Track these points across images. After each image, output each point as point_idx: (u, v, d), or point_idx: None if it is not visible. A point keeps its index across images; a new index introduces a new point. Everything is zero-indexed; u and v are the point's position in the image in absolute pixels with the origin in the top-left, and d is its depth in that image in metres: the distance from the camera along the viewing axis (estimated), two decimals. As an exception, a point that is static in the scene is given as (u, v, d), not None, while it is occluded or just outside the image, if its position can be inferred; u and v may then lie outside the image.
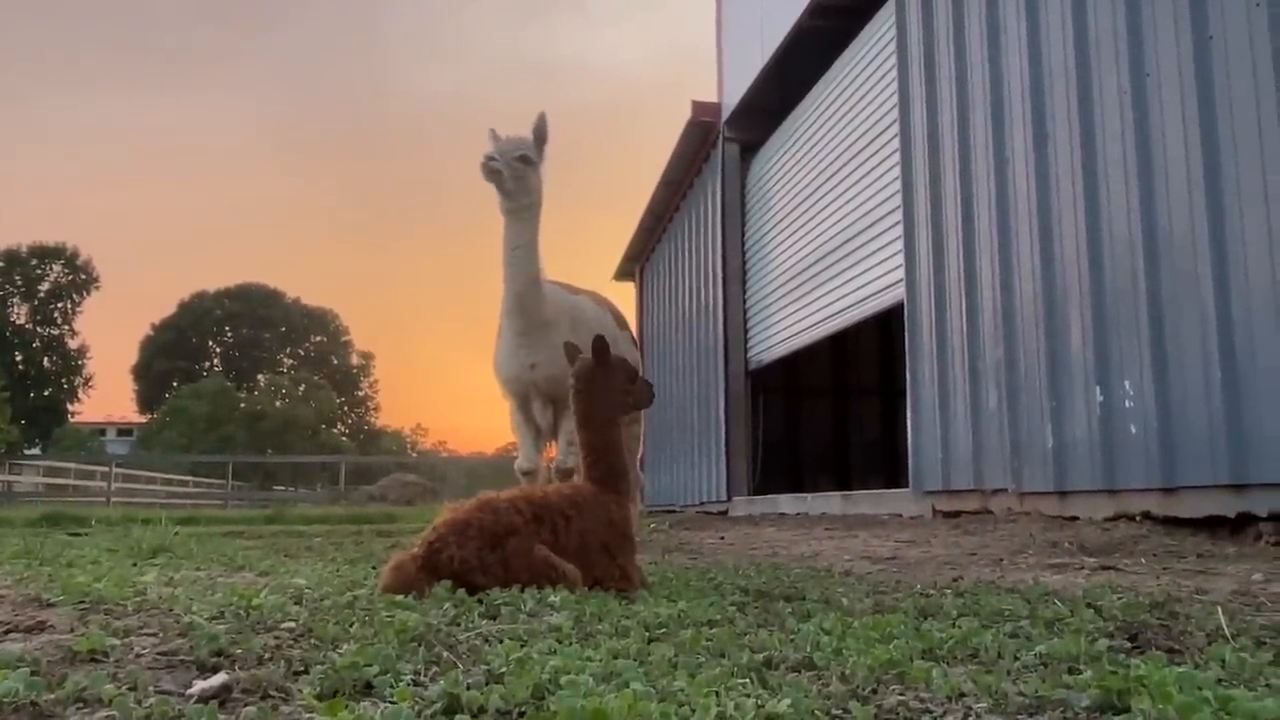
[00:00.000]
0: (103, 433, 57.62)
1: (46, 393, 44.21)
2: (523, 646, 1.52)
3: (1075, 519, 4.94)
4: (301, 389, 51.58)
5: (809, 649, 1.54)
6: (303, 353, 57.44)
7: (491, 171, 4.28)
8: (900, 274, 7.17)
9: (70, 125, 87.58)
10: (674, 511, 12.15)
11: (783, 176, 10.23)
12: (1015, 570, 3.36)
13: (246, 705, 1.21)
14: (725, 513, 10.68)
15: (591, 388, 2.64)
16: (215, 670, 1.40)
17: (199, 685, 1.29)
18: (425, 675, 1.36)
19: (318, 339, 57.84)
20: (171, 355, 52.68)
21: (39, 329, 45.06)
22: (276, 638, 1.65)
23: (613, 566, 2.44)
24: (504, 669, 1.35)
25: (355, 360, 58.68)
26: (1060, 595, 2.34)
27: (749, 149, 11.31)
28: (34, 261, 44.78)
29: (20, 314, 44.85)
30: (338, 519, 10.75)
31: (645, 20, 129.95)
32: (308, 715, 1.17)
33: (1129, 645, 1.67)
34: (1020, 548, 4.19)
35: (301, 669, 1.40)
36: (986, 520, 5.53)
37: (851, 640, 1.60)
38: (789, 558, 4.19)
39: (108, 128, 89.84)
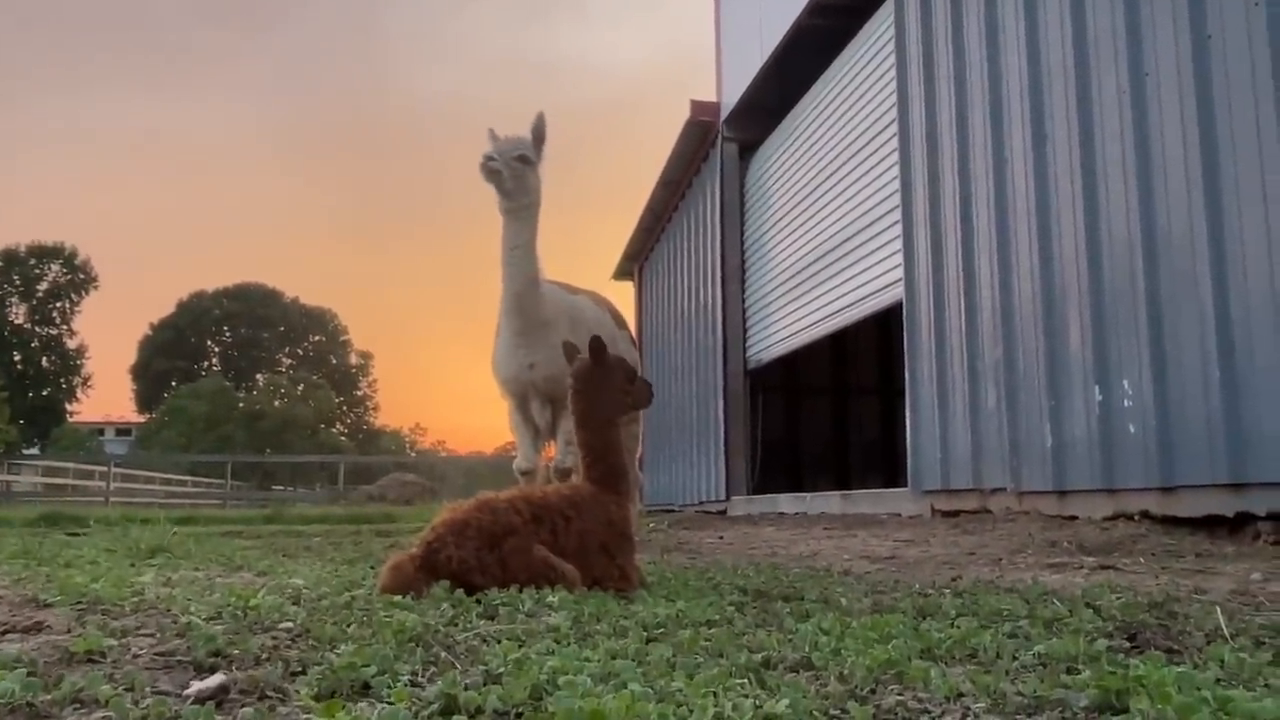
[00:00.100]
0: (101, 432, 57.59)
1: (45, 392, 44.22)
2: (520, 647, 1.52)
3: (1074, 518, 4.94)
4: (300, 389, 51.57)
5: (807, 649, 1.53)
6: (301, 352, 57.44)
7: (490, 171, 4.28)
8: (899, 273, 7.17)
9: (69, 125, 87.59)
10: (673, 511, 12.15)
11: (782, 176, 10.23)
12: (1014, 570, 3.36)
13: (244, 706, 1.21)
14: (724, 512, 10.68)
15: (589, 387, 2.64)
16: (212, 671, 1.40)
17: (196, 686, 1.28)
18: (423, 676, 1.36)
19: (316, 338, 57.83)
20: (170, 355, 52.66)
21: (37, 329, 45.07)
22: (274, 638, 1.65)
23: (611, 566, 2.43)
24: (502, 669, 1.35)
25: (354, 360, 58.72)
26: (1059, 595, 2.34)
27: (748, 148, 11.31)
28: (32, 261, 44.79)
29: (19, 314, 44.87)
30: (336, 519, 10.74)
31: (644, 20, 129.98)
32: (305, 716, 1.17)
33: (1128, 645, 1.67)
34: (1019, 547, 4.19)
35: (299, 669, 1.40)
36: (985, 520, 5.53)
37: (850, 640, 1.60)
38: (788, 557, 4.19)
39: (106, 127, 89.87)
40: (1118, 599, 2.24)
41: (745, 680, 1.32)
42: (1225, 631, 1.78)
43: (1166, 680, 1.19)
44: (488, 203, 4.46)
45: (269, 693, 1.28)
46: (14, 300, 44.77)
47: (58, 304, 45.15)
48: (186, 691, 1.27)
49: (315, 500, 22.20)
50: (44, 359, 44.92)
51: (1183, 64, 4.39)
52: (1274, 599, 2.36)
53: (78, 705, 1.20)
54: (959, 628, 1.73)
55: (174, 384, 50.50)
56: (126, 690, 1.25)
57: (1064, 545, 4.11)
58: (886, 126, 7.63)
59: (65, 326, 45.41)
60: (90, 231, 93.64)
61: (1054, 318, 5.31)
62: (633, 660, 1.41)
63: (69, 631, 1.76)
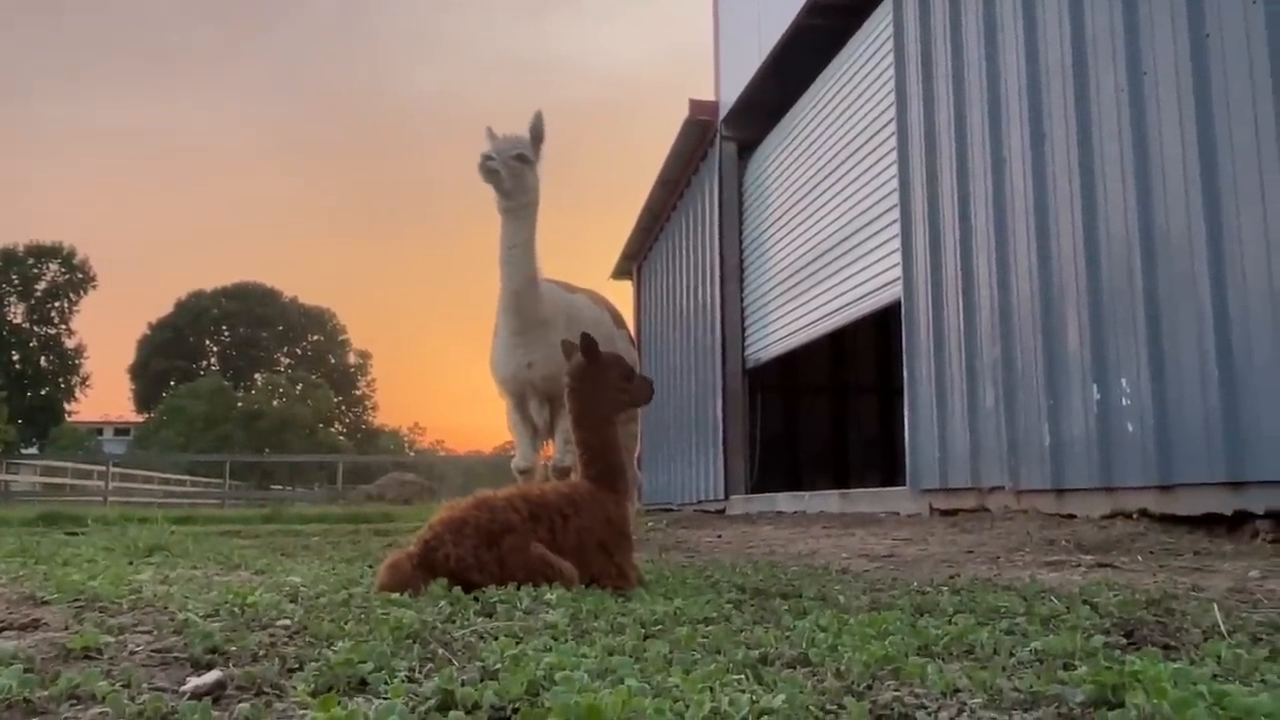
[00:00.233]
0: (100, 432, 57.56)
1: (43, 392, 44.20)
2: (518, 643, 1.52)
3: (1072, 517, 4.94)
4: (299, 388, 51.55)
5: (805, 645, 1.54)
6: (300, 352, 57.41)
7: (489, 170, 4.28)
8: (897, 272, 7.17)
9: (67, 124, 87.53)
10: (671, 510, 12.16)
11: (780, 175, 10.23)
12: (1012, 568, 3.36)
13: (240, 702, 1.21)
14: (723, 511, 10.68)
15: (585, 385, 2.64)
16: (209, 667, 1.40)
17: (193, 682, 1.28)
18: (420, 672, 1.36)
19: (315, 338, 57.81)
20: (169, 354, 52.64)
21: (36, 328, 45.05)
22: (271, 635, 1.65)
23: (609, 564, 2.44)
24: (499, 665, 1.35)
25: (353, 359, 58.70)
26: (1057, 592, 2.34)
27: (746, 147, 11.31)
28: (31, 261, 44.76)
29: (17, 313, 44.85)
30: (335, 518, 10.74)
31: (643, 19, 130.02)
32: (301, 712, 1.17)
33: (1125, 642, 1.67)
34: (1017, 545, 4.20)
35: (296, 666, 1.40)
36: (983, 518, 5.53)
37: (847, 637, 1.60)
38: (786, 556, 4.19)
39: (104, 127, 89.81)
40: (1115, 596, 2.24)
41: (742, 676, 1.32)
42: (1222, 628, 1.78)
43: (1163, 675, 1.19)
44: (486, 202, 4.47)
45: (265, 689, 1.28)
46: (12, 300, 44.74)
47: (56, 303, 45.13)
48: (183, 687, 1.27)
49: (313, 500, 22.19)
50: (42, 358, 44.90)
51: (1181, 63, 4.40)
52: (1271, 596, 2.36)
53: (74, 701, 1.20)
54: (956, 624, 1.73)
55: (172, 383, 50.47)
56: (123, 686, 1.25)
57: (1062, 543, 4.11)
58: (885, 126, 7.64)
59: (64, 326, 45.44)
60: (88, 231, 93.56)
61: (1052, 317, 5.32)
62: (630, 656, 1.42)
63: (66, 628, 1.77)
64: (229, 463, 27.74)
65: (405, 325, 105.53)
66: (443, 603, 1.99)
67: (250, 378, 54.00)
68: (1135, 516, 4.57)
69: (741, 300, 11.23)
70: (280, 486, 32.86)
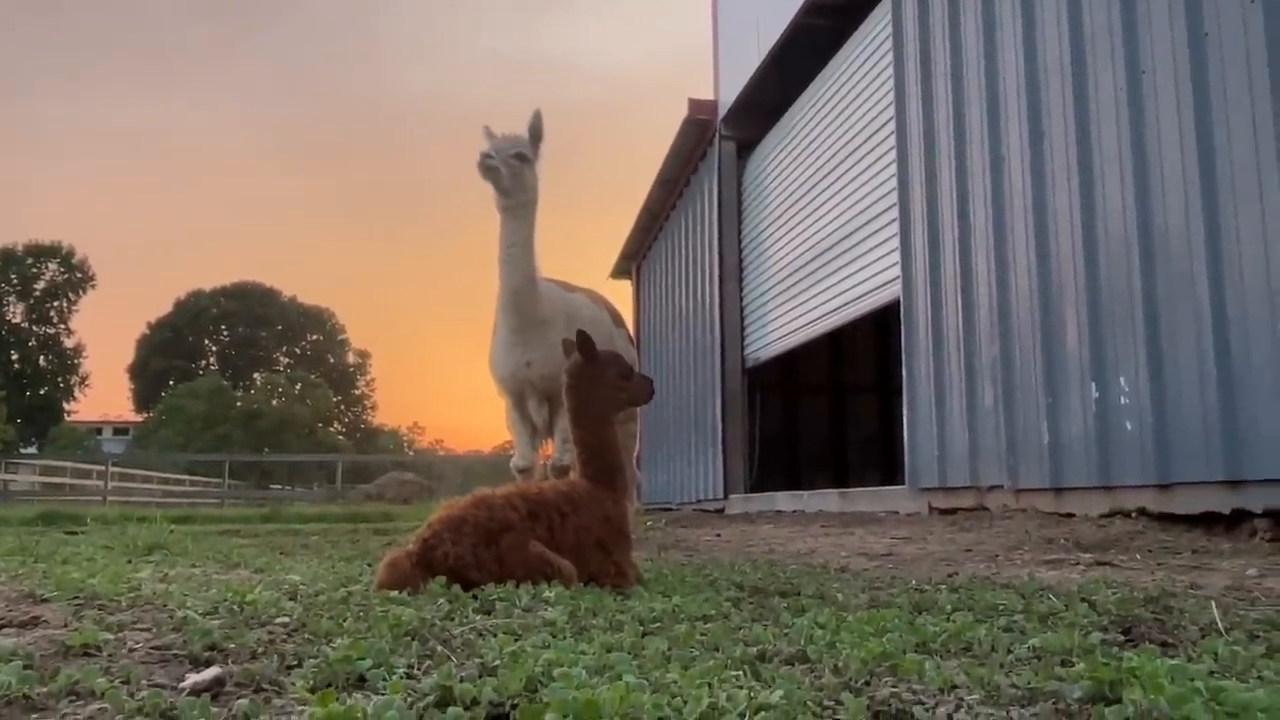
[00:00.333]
0: (99, 432, 57.53)
1: (42, 392, 44.20)
2: (516, 640, 1.52)
3: (1071, 515, 4.95)
4: (298, 388, 51.51)
5: (803, 642, 1.54)
6: (299, 351, 57.38)
7: (488, 169, 4.28)
8: (896, 271, 7.17)
9: (65, 124, 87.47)
10: (670, 509, 12.16)
11: (779, 174, 10.24)
12: (1010, 566, 3.37)
13: (239, 698, 1.21)
14: (722, 510, 10.68)
15: (582, 384, 2.64)
16: (208, 664, 1.40)
17: (191, 678, 1.29)
18: (419, 668, 1.36)
19: (314, 337, 57.78)
20: (168, 354, 52.60)
21: (35, 328, 45.04)
22: (270, 632, 1.65)
23: (608, 562, 2.44)
24: (497, 662, 1.35)
25: (352, 359, 58.66)
26: (1055, 590, 2.34)
27: (745, 147, 11.31)
28: (30, 260, 44.75)
29: (16, 313, 44.84)
30: (334, 517, 10.73)
31: (642, 18, 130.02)
32: (300, 708, 1.17)
33: (1122, 639, 1.68)
34: (1016, 544, 4.20)
35: (295, 663, 1.40)
36: (982, 517, 5.54)
37: (845, 634, 1.60)
38: (785, 554, 4.19)
39: (103, 126, 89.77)
40: (1113, 594, 2.24)
41: (740, 672, 1.32)
42: (1220, 625, 1.78)
43: (1160, 672, 1.19)
44: (485, 201, 4.47)
45: (264, 685, 1.28)
46: (11, 299, 44.74)
47: (55, 303, 45.13)
48: (182, 684, 1.27)
49: (313, 499, 22.17)
50: (41, 358, 44.89)
51: (1180, 61, 4.40)
52: (1269, 594, 2.36)
53: (74, 697, 1.20)
54: (954, 622, 1.73)
55: (171, 383, 50.44)
56: (123, 683, 1.25)
57: (1060, 542, 4.12)
58: (884, 125, 7.64)
59: (63, 325, 45.44)
60: (87, 230, 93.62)
61: (1051, 315, 5.32)
62: (628, 653, 1.42)
63: (65, 626, 1.77)
64: (228, 462, 27.76)
65: (404, 325, 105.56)
66: (441, 600, 1.99)
67: (249, 377, 53.98)
68: (1134, 515, 4.57)
69: (740, 299, 11.24)
70: (279, 486, 32.85)
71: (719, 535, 6.15)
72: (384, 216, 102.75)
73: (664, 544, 5.15)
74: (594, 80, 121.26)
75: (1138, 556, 3.54)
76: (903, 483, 7.01)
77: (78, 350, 45.37)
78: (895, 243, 7.20)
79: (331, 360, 57.39)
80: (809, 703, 1.16)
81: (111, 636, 1.59)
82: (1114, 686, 1.19)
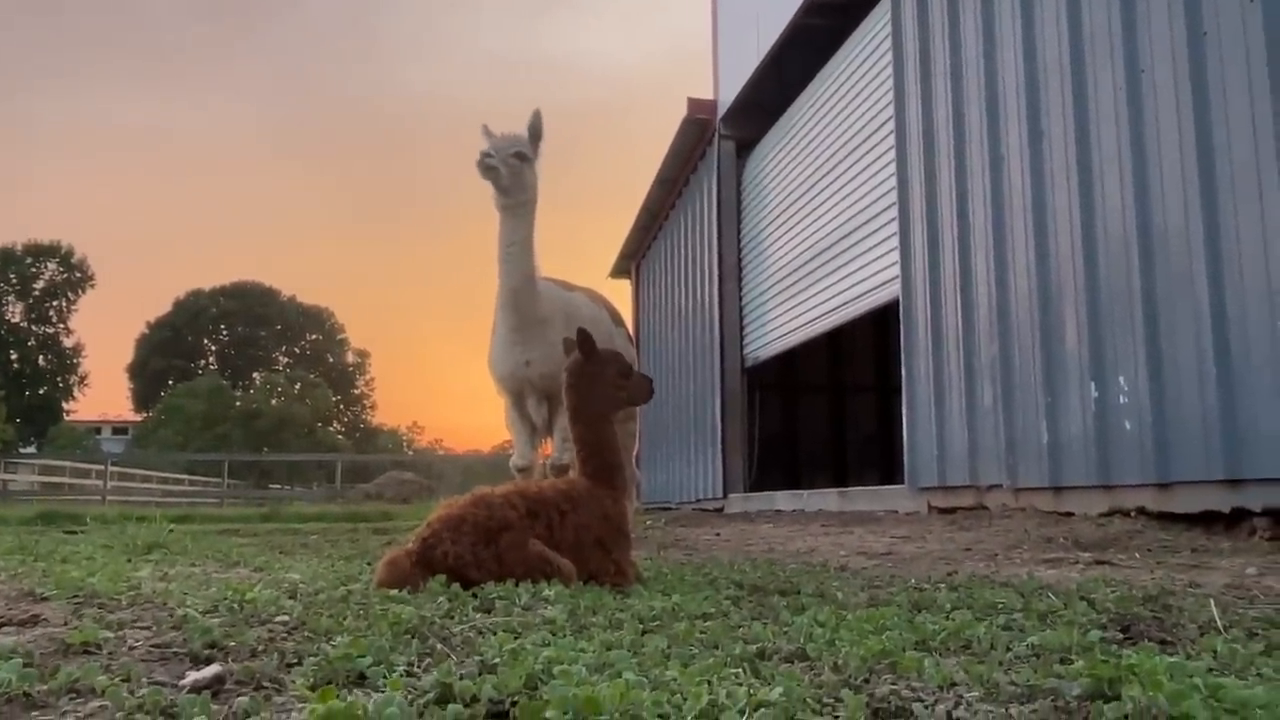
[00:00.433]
0: (98, 431, 57.50)
1: (42, 391, 44.18)
2: (516, 638, 1.52)
3: (1070, 514, 4.95)
4: (297, 387, 51.49)
5: (802, 640, 1.54)
6: (298, 351, 57.36)
7: (488, 168, 4.29)
8: (896, 270, 7.17)
9: (65, 123, 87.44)
10: (670, 509, 12.16)
11: (778, 173, 10.24)
12: (1009, 565, 3.37)
13: (239, 696, 1.21)
14: (721, 510, 10.68)
15: (581, 382, 2.64)
16: (208, 662, 1.40)
17: (191, 676, 1.29)
18: (419, 666, 1.37)
19: (314, 337, 57.76)
20: (167, 353, 52.58)
21: (34, 327, 45.02)
22: (270, 630, 1.65)
23: (607, 561, 2.44)
24: (497, 660, 1.35)
25: (351, 358, 58.64)
26: (1054, 589, 2.35)
27: (745, 146, 11.31)
28: (29, 260, 44.73)
29: (15, 312, 44.82)
30: (333, 517, 10.73)
31: (641, 18, 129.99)
32: (300, 705, 1.18)
33: (1121, 637, 1.68)
34: (1015, 543, 4.20)
35: (295, 661, 1.40)
36: (982, 516, 5.54)
37: (845, 632, 1.60)
38: (784, 553, 4.19)
39: (102, 125, 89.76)
40: (1112, 592, 2.24)
41: (740, 670, 1.32)
42: (1219, 623, 1.79)
43: (1158, 669, 1.19)
44: (484, 200, 4.47)
45: (264, 683, 1.28)
46: (10, 299, 44.72)
47: (54, 302, 45.11)
48: (182, 682, 1.28)
49: (312, 499, 22.15)
50: (40, 358, 44.87)
51: (1179, 60, 4.40)
52: (1268, 592, 2.37)
53: (74, 695, 1.21)
54: (954, 620, 1.73)
55: (171, 383, 50.42)
56: (122, 681, 1.25)
57: (1060, 541, 4.12)
58: (883, 124, 7.64)
59: (62, 325, 45.42)
60: (87, 230, 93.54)
61: (1050, 315, 5.32)
62: (628, 651, 1.42)
63: (65, 624, 1.77)
64: (227, 462, 27.74)
65: (403, 324, 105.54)
66: (441, 599, 1.99)
67: (249, 377, 53.96)
68: (1133, 514, 4.57)
69: (740, 299, 11.24)
70: (279, 485, 32.85)
71: (718, 534, 6.15)
72: (383, 216, 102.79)
73: (663, 543, 5.15)
74: (593, 80, 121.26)
75: (1137, 555, 3.54)
76: (902, 482, 7.01)
77: (77, 350, 45.40)
78: (894, 242, 7.20)
79: (331, 360, 57.38)
80: (808, 700, 1.16)
81: (111, 634, 1.59)
82: (1113, 684, 1.20)
